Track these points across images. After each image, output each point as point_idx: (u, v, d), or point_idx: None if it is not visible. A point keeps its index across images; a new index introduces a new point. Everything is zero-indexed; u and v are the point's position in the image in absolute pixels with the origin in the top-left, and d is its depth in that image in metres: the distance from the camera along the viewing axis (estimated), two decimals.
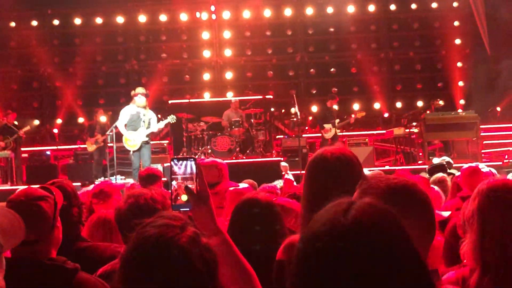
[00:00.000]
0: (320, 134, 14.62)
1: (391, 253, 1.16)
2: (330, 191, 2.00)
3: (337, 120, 14.31)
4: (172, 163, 1.97)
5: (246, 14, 18.51)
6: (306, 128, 16.89)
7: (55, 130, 17.98)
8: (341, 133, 14.99)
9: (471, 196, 2.51)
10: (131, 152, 11.82)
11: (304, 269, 1.20)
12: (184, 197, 1.92)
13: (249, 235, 2.90)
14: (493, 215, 2.36)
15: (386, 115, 18.10)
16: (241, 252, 1.99)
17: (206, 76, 18.56)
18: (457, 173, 6.60)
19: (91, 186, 6.12)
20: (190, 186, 1.93)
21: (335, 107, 15.10)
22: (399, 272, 1.15)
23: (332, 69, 18.81)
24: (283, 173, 11.57)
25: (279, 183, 7.66)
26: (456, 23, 18.70)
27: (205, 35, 18.56)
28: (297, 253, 1.22)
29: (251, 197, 3.22)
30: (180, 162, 1.96)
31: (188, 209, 1.91)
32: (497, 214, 2.36)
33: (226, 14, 18.45)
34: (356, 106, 18.19)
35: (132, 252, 1.56)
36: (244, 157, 13.77)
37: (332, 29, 18.78)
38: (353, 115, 14.73)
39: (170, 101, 16.09)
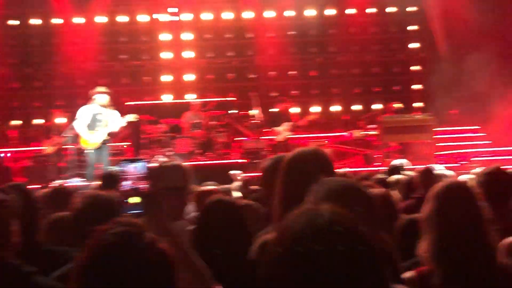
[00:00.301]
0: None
1: (366, 254, 1.22)
2: (306, 190, 2.05)
3: (288, 123, 14.37)
4: (123, 165, 1.94)
5: (206, 16, 18.50)
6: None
7: (11, 132, 17.62)
8: (300, 135, 15.09)
9: (429, 197, 2.59)
10: (88, 152, 11.63)
11: (285, 272, 1.23)
12: (135, 199, 1.90)
13: (216, 237, 2.91)
14: (450, 216, 2.44)
15: (345, 117, 18.31)
16: (208, 253, 2.01)
17: (166, 78, 18.47)
18: (412, 174, 6.74)
19: (48, 189, 6.03)
20: (141, 188, 1.91)
21: (291, 110, 15.16)
22: (372, 271, 1.20)
23: (291, 72, 18.95)
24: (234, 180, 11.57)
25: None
26: (413, 27, 19.08)
27: (165, 37, 18.47)
28: (276, 256, 1.25)
29: (217, 199, 3.22)
30: (132, 164, 1.94)
31: (139, 211, 1.88)
32: (454, 215, 2.43)
33: (186, 16, 18.40)
34: (315, 109, 18.36)
35: (90, 260, 1.55)
36: (205, 160, 13.76)
37: (292, 32, 18.92)
38: (310, 117, 14.85)
39: (129, 103, 15.92)
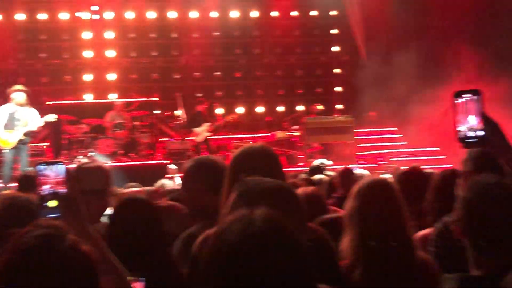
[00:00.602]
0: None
1: (296, 254, 1.26)
2: None
3: (207, 124, 14.37)
4: (41, 167, 1.90)
5: (130, 15, 18.24)
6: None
7: None
8: (222, 136, 15.18)
9: (350, 196, 2.67)
10: (5, 152, 11.23)
11: (219, 273, 1.26)
12: (53, 203, 1.86)
13: (130, 237, 2.86)
14: (371, 212, 2.52)
15: (269, 118, 18.50)
16: (123, 254, 2.00)
17: (88, 77, 18.08)
18: (333, 174, 6.91)
19: None
20: (60, 191, 1.87)
21: (217, 111, 15.19)
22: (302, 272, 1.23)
23: (216, 73, 18.99)
24: (171, 176, 11.51)
25: (165, 183, 7.63)
26: (334, 31, 19.52)
27: (87, 35, 18.07)
28: (212, 258, 1.28)
29: (130, 198, 3.17)
30: (49, 166, 1.89)
31: (57, 215, 1.85)
32: (375, 211, 2.52)
33: (109, 15, 18.07)
34: (240, 110, 18.48)
35: (10, 263, 1.52)
36: (128, 160, 13.56)
37: (217, 33, 18.95)
38: (230, 118, 14.91)
39: (49, 102, 15.49)
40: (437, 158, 14.08)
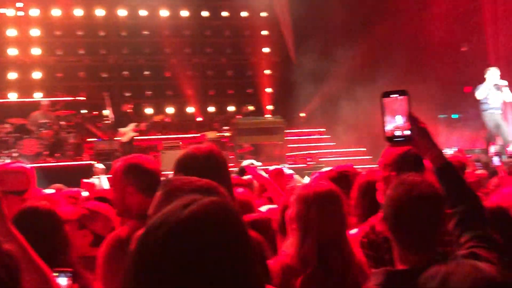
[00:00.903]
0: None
1: (221, 249, 1.20)
2: None
3: (133, 124, 14.16)
4: None
5: (56, 12, 17.78)
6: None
7: None
8: (154, 136, 15.02)
9: (293, 200, 2.70)
10: None
11: (138, 260, 1.21)
12: None
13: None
14: (313, 219, 2.56)
15: (199, 119, 18.46)
16: None
17: (12, 75, 17.49)
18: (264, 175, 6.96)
19: None
20: None
21: (130, 111, 14.88)
22: (228, 270, 1.20)
23: (146, 72, 18.77)
24: (98, 176, 11.28)
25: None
26: (265, 32, 19.68)
27: (11, 32, 17.48)
28: (136, 244, 1.24)
29: (31, 206, 3.06)
30: None
31: None
32: (317, 218, 2.57)
33: (34, 12, 17.55)
34: (170, 110, 18.35)
35: None
36: (54, 161, 13.19)
37: (146, 32, 18.74)
38: (156, 118, 14.78)
39: None
40: (363, 158, 14.41)
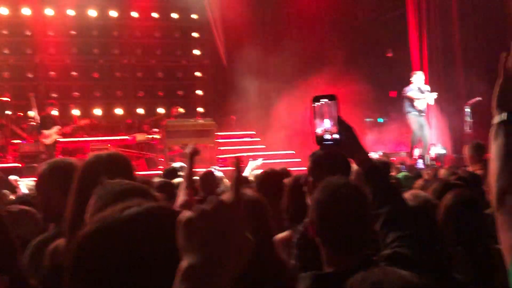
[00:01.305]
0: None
1: (157, 252, 1.19)
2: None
3: (57, 126, 13.83)
4: None
5: None
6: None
7: None
8: (82, 138, 14.70)
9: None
10: None
11: (76, 265, 1.19)
12: None
13: None
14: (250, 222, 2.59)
15: (128, 121, 18.19)
16: None
17: None
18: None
19: None
20: None
21: (54, 113, 14.51)
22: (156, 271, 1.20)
23: (73, 73, 18.36)
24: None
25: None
26: (196, 35, 19.62)
27: None
28: (74, 247, 1.21)
29: None
30: None
31: None
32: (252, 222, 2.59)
33: None
34: (98, 112, 18.02)
35: None
36: None
37: (73, 32, 18.33)
38: (81, 122, 14.49)
39: None
40: (292, 161, 14.59)
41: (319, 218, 2.13)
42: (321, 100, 2.16)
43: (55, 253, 2.45)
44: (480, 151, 6.98)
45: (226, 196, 1.15)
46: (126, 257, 1.17)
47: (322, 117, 2.16)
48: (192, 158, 4.33)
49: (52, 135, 13.66)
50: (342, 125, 2.15)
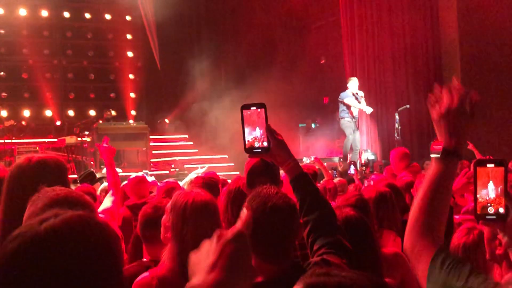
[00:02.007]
0: None
1: (77, 265, 1.17)
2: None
3: None
4: None
5: None
6: None
7: None
8: (9, 141, 14.20)
9: (169, 208, 2.68)
10: None
11: None
12: None
13: None
14: (187, 225, 2.57)
15: (58, 123, 17.75)
16: None
17: None
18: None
19: None
20: None
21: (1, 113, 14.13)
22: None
23: (1, 73, 17.76)
24: None
25: None
26: (129, 36, 19.35)
27: None
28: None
29: None
30: None
31: None
32: (190, 225, 2.57)
33: None
34: (26, 113, 17.51)
35: None
36: None
37: (2, 31, 17.74)
38: (10, 123, 14.06)
39: None
40: (225, 166, 14.61)
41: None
42: (250, 108, 2.17)
43: None
44: (405, 159, 7.22)
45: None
46: (47, 272, 1.15)
47: (252, 125, 2.17)
48: (108, 159, 4.19)
49: None
50: (270, 133, 2.17)
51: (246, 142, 2.18)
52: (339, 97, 13.20)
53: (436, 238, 1.75)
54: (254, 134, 2.17)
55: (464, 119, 1.81)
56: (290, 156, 2.24)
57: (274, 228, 2.13)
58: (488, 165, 1.86)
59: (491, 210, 1.85)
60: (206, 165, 8.93)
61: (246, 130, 2.18)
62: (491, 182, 1.85)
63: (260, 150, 2.18)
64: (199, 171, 8.35)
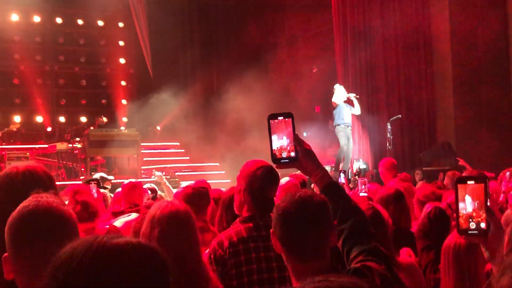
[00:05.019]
0: None
1: None
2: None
3: None
4: None
5: None
6: None
7: None
8: (1, 146, 14.12)
9: (149, 220, 2.68)
10: None
11: None
12: None
13: None
14: (157, 240, 2.57)
15: (49, 129, 17.67)
16: None
17: None
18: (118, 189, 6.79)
19: None
20: None
21: None
22: None
23: None
24: None
25: None
26: (121, 43, 19.33)
27: None
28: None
29: None
30: None
31: None
32: (161, 239, 2.57)
33: None
34: (17, 119, 17.42)
35: None
36: None
37: None
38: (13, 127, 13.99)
39: None
40: (216, 173, 14.61)
41: (280, 221, 2.09)
42: (278, 118, 2.17)
43: None
44: (393, 169, 7.33)
45: None
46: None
47: (278, 135, 2.16)
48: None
49: None
50: (299, 143, 2.16)
51: (273, 153, 2.17)
52: (333, 103, 13.11)
53: None
54: (281, 144, 2.16)
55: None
56: (319, 166, 2.22)
57: (305, 220, 2.06)
58: (469, 182, 1.92)
59: (472, 225, 1.92)
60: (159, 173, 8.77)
61: (273, 140, 2.17)
62: (470, 198, 1.92)
63: (288, 160, 2.17)
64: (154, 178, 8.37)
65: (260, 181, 3.20)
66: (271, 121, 2.17)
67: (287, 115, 2.17)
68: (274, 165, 2.25)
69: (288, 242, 2.08)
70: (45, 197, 1.83)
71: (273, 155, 2.17)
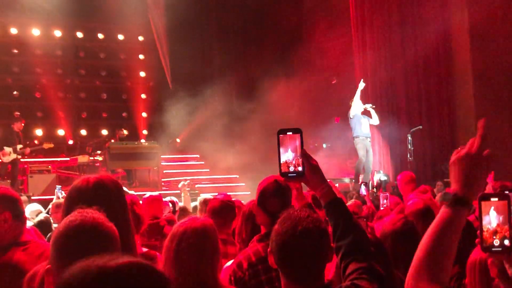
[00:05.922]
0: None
1: None
2: None
3: (19, 146, 13.40)
4: None
5: None
6: None
7: None
8: (23, 159, 14.25)
9: (171, 234, 2.70)
10: None
11: None
12: None
13: None
14: (186, 255, 2.58)
15: (70, 142, 17.83)
16: None
17: None
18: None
19: None
20: None
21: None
22: None
23: (14, 92, 17.91)
24: None
25: None
26: (141, 56, 19.50)
27: None
28: None
29: None
30: None
31: None
32: (182, 255, 2.59)
33: None
34: (39, 132, 17.60)
35: None
36: None
37: (15, 51, 17.93)
38: (45, 146, 14.11)
39: None
40: (236, 185, 14.60)
41: (279, 249, 2.16)
42: (287, 133, 2.23)
43: (31, 280, 2.35)
44: (411, 183, 7.31)
45: None
46: None
47: (287, 150, 2.22)
48: None
49: (10, 153, 13.14)
50: (305, 158, 2.20)
51: (281, 167, 2.22)
52: (348, 113, 13.10)
53: (436, 281, 1.71)
54: (287, 158, 2.21)
55: (479, 169, 1.79)
56: (324, 181, 2.26)
57: (304, 251, 2.13)
58: (492, 199, 1.91)
59: (496, 242, 1.90)
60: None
61: (282, 154, 2.23)
62: (495, 214, 1.91)
63: (295, 174, 2.22)
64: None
65: (268, 196, 3.26)
66: (280, 136, 2.23)
67: (296, 130, 2.24)
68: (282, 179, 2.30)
69: (284, 267, 2.16)
70: (90, 212, 1.86)
71: (281, 169, 2.23)
